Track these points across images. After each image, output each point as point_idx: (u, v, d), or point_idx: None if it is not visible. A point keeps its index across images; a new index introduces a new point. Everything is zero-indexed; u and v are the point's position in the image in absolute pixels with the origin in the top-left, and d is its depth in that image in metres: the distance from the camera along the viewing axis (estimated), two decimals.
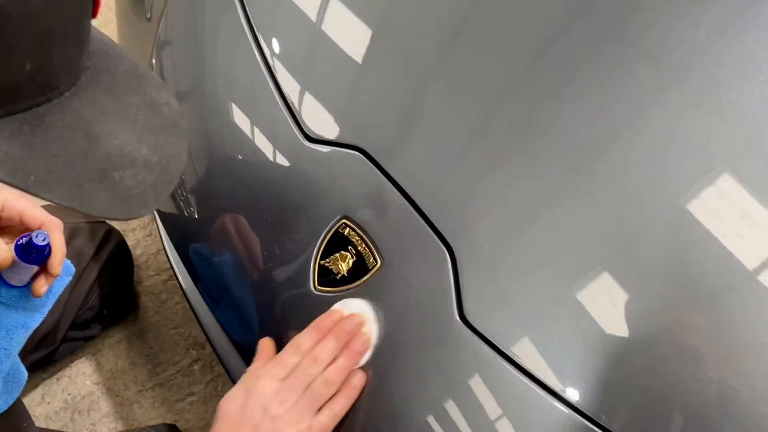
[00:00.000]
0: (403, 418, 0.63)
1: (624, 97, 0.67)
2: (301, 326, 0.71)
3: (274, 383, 0.63)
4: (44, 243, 0.61)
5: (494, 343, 0.62)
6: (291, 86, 0.76)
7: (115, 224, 1.17)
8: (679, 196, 0.63)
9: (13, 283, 0.64)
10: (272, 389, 0.62)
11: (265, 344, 0.70)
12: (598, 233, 0.64)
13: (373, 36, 0.76)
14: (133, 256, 1.17)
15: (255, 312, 0.75)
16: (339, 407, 0.63)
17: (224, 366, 0.93)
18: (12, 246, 0.62)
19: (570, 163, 0.66)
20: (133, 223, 1.30)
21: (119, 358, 1.15)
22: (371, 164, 0.70)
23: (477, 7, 0.76)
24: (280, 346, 0.72)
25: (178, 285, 1.10)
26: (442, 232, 0.66)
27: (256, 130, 0.76)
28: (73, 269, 0.73)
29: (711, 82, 0.66)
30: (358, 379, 0.64)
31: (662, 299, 0.60)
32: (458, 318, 0.63)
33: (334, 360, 0.64)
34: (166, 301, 1.22)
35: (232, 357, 0.94)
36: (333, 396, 0.63)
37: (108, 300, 1.05)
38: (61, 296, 0.91)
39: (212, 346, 0.95)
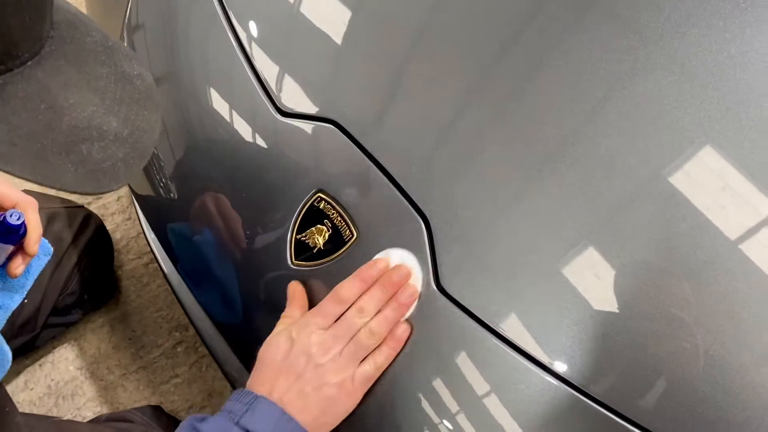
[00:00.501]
0: (381, 386, 0.64)
1: (601, 64, 0.67)
2: (280, 302, 0.71)
3: (319, 332, 0.62)
4: (18, 222, 0.60)
5: (471, 311, 0.63)
6: (263, 61, 0.75)
7: (93, 208, 1.16)
8: (661, 168, 0.63)
9: None
10: (317, 338, 0.61)
11: (296, 288, 0.68)
12: (576, 202, 0.64)
13: (346, 8, 0.75)
14: (113, 241, 1.17)
15: (234, 290, 0.75)
16: (383, 358, 0.62)
17: (207, 347, 0.93)
18: None
19: (547, 134, 0.66)
20: (112, 207, 1.29)
21: (102, 343, 1.15)
22: (345, 137, 0.70)
23: None
24: (262, 322, 0.72)
25: (159, 268, 1.10)
26: (417, 203, 0.66)
27: (229, 106, 0.75)
28: (51, 249, 0.73)
29: (691, 49, 0.66)
30: (403, 331, 0.62)
31: (644, 270, 0.61)
32: (435, 287, 0.64)
33: (379, 311, 0.63)
34: (148, 285, 1.21)
35: (216, 338, 0.94)
36: (377, 347, 0.62)
37: (88, 285, 1.05)
38: (41, 281, 0.91)
39: (195, 327, 0.95)
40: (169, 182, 0.80)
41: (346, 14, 0.75)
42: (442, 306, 0.63)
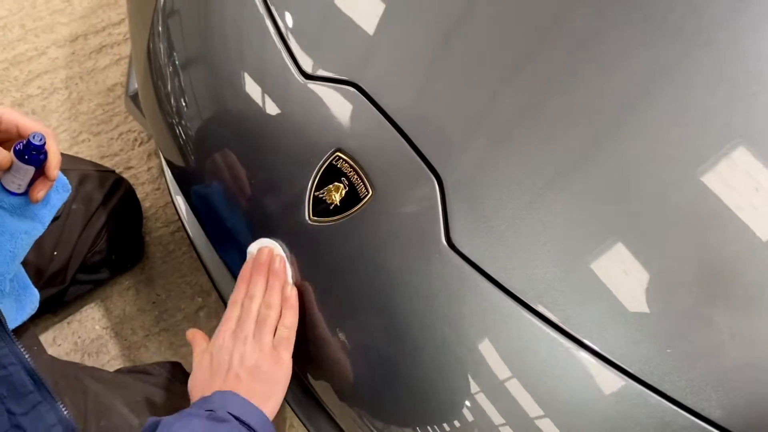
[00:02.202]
0: (393, 338, 0.66)
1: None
2: (297, 256, 0.73)
3: (228, 333, 0.70)
4: (41, 143, 0.65)
5: (480, 266, 0.65)
6: (288, 24, 0.78)
7: (124, 177, 1.20)
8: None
9: (12, 189, 0.68)
10: (229, 336, 0.70)
11: (195, 334, 0.76)
12: (586, 166, 0.66)
13: None
14: (143, 209, 1.21)
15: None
16: (288, 320, 0.70)
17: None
18: (11, 151, 0.66)
19: (565, 101, 0.68)
20: (143, 177, 1.33)
21: (127, 305, 1.19)
22: (365, 99, 0.73)
23: None
24: None
25: (186, 235, 1.13)
26: (431, 161, 0.68)
27: (254, 69, 0.78)
28: (69, 186, 0.77)
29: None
30: (291, 291, 0.71)
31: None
32: (445, 242, 0.66)
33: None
34: (174, 252, 1.25)
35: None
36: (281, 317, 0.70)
37: (116, 245, 1.09)
38: (70, 236, 0.95)
39: (217, 290, 0.98)
40: (196, 145, 0.83)
41: None
42: (452, 261, 0.65)
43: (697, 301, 0.60)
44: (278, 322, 0.70)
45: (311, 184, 0.73)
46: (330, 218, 0.71)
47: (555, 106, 0.68)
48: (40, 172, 0.68)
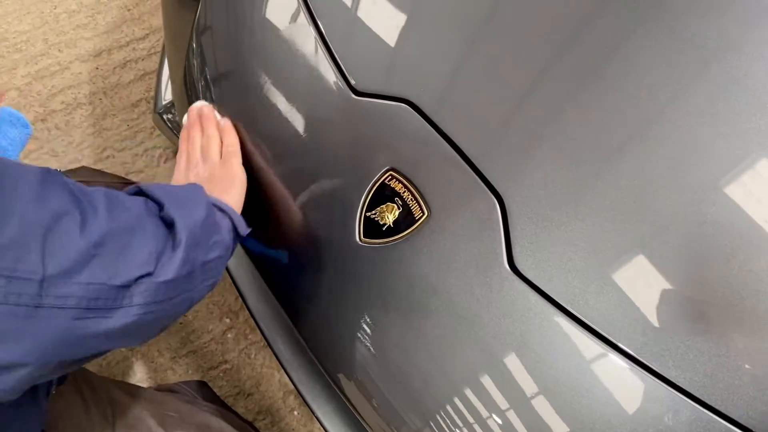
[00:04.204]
0: (453, 366, 0.63)
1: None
2: (346, 278, 0.71)
3: (181, 172, 0.76)
4: None
5: (546, 292, 0.61)
6: (337, 39, 0.76)
7: None
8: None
9: None
10: (182, 172, 0.76)
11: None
12: (654, 193, 0.63)
13: None
14: None
15: (299, 265, 0.75)
16: (228, 140, 0.77)
17: (260, 328, 0.93)
18: None
19: (626, 118, 0.65)
20: None
21: None
22: (418, 116, 0.70)
23: None
24: (326, 298, 0.72)
25: None
26: (491, 181, 0.65)
27: (303, 84, 0.75)
28: (27, 122, 0.75)
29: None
30: (224, 121, 0.78)
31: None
32: (508, 267, 0.63)
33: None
34: None
35: (267, 319, 0.95)
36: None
37: None
38: None
39: (248, 308, 0.95)
40: (247, 155, 0.80)
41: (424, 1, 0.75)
42: (516, 286, 0.62)
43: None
44: (221, 146, 0.76)
45: (362, 203, 0.70)
46: (382, 239, 0.68)
47: (625, 123, 0.65)
48: None
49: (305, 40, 0.77)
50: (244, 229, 0.69)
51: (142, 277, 0.53)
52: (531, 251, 0.63)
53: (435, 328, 0.65)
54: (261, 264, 0.82)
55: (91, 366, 1.12)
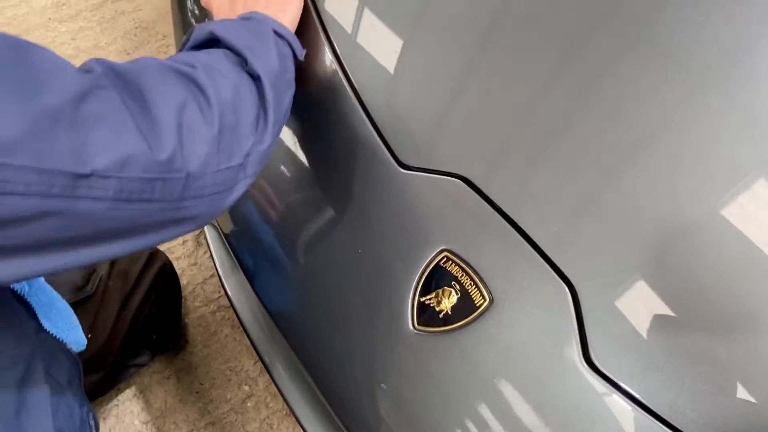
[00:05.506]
0: None
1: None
2: (397, 369, 0.65)
3: None
4: None
5: (626, 389, 0.57)
6: (382, 111, 0.71)
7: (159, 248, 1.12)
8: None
9: None
10: None
11: None
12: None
13: (469, 57, 0.71)
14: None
15: (341, 347, 0.70)
16: None
17: (284, 397, 0.87)
18: None
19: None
20: (178, 252, 1.24)
21: (168, 395, 1.09)
22: (474, 192, 0.65)
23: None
24: (379, 392, 0.67)
25: (228, 314, 1.05)
26: (560, 266, 0.60)
27: (348, 157, 0.71)
28: None
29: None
30: None
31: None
32: (583, 361, 0.58)
33: None
34: (216, 334, 1.16)
35: (291, 389, 0.89)
36: None
37: (156, 323, 1.00)
38: (107, 316, 0.87)
39: (269, 372, 0.89)
40: (280, 233, 0.75)
41: (471, 63, 0.71)
42: (593, 384, 0.57)
43: None
44: None
45: (415, 287, 0.65)
46: (439, 327, 0.63)
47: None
48: None
49: (349, 112, 0.72)
50: (301, 54, 0.66)
51: (249, 149, 0.54)
52: (609, 344, 0.58)
53: (501, 426, 0.60)
54: (295, 338, 0.77)
55: None
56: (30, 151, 0.37)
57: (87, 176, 0.40)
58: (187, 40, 0.62)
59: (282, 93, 0.60)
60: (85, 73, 0.44)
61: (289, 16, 0.67)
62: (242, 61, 0.57)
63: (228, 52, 0.58)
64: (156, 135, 0.45)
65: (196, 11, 0.91)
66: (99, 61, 0.47)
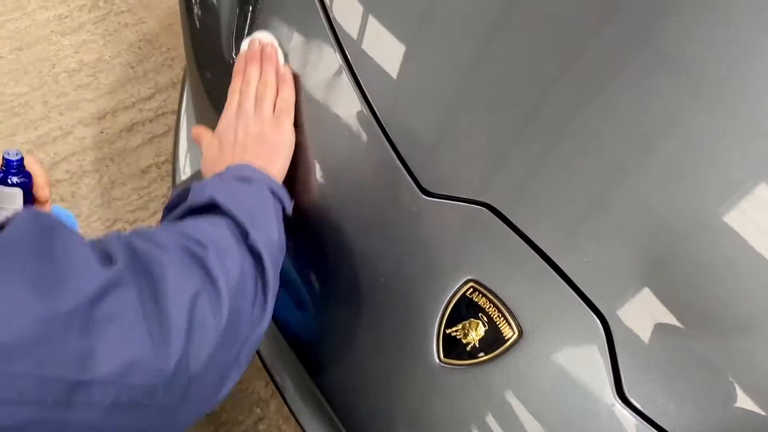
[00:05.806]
0: None
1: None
2: (423, 403, 0.64)
3: (231, 115, 0.71)
4: (17, 157, 0.60)
5: (661, 425, 0.55)
6: (404, 138, 0.69)
7: None
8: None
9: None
10: (232, 117, 0.71)
11: (199, 129, 0.76)
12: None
13: (492, 84, 0.70)
14: None
15: (367, 386, 0.68)
16: (285, 93, 0.72)
17: (297, 421, 0.86)
18: None
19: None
20: None
21: None
22: (500, 221, 0.64)
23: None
24: (402, 425, 0.65)
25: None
26: (592, 299, 0.59)
27: (369, 184, 0.69)
28: (73, 216, 0.72)
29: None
30: (285, 71, 0.74)
31: None
32: (616, 397, 0.56)
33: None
34: None
35: (304, 413, 0.88)
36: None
37: None
38: None
39: (281, 394, 0.88)
40: (300, 259, 0.74)
41: (493, 95, 0.70)
42: (627, 420, 0.56)
43: None
44: (276, 97, 0.72)
45: (440, 318, 0.63)
46: (467, 360, 0.62)
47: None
48: (30, 196, 0.62)
49: (371, 138, 0.70)
50: (290, 210, 0.67)
51: (248, 333, 0.54)
52: (642, 379, 0.56)
53: None
54: (314, 369, 0.75)
55: None
56: (33, 358, 0.34)
57: (86, 383, 0.37)
58: (183, 194, 0.62)
59: (278, 267, 0.60)
60: (106, 264, 0.42)
61: (278, 168, 0.68)
62: (244, 234, 0.57)
63: (230, 222, 0.57)
64: (165, 336, 0.43)
65: (205, 20, 0.89)
66: (121, 242, 0.46)
